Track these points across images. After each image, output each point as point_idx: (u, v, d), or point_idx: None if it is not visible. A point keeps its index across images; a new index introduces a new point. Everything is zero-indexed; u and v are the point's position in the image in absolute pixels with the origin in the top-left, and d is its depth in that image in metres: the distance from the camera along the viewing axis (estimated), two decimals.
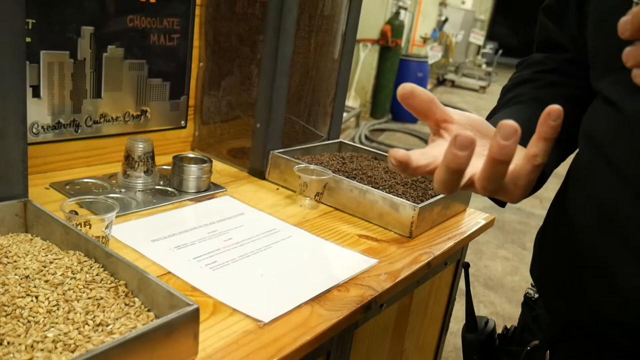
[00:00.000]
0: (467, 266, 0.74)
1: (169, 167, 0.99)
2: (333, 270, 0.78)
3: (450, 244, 0.93)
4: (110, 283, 0.59)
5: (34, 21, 0.86)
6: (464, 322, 0.75)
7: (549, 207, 0.68)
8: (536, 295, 0.68)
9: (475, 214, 1.09)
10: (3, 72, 0.68)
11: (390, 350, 0.95)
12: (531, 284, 0.70)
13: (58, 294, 0.56)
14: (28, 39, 0.85)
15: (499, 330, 0.74)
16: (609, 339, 0.53)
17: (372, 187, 0.98)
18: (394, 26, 5.35)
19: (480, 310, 2.22)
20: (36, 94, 0.90)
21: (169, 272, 0.71)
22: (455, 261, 1.09)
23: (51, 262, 0.61)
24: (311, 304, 0.68)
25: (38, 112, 0.91)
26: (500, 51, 9.59)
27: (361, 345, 0.82)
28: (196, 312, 0.53)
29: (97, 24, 0.95)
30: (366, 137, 4.72)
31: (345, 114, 4.75)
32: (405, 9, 5.58)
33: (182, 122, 1.16)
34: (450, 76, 8.70)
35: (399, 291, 0.81)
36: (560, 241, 0.60)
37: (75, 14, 0.92)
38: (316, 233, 0.89)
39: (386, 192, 0.96)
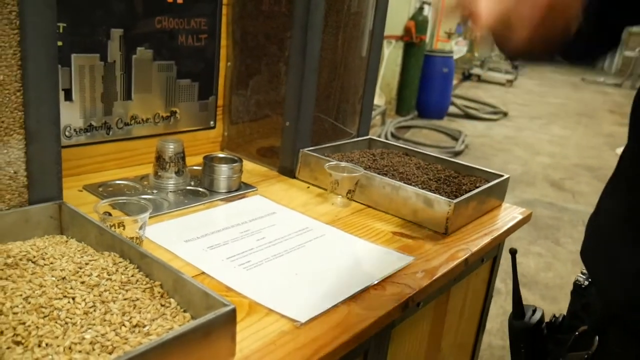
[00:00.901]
0: (514, 252, 0.71)
1: (200, 168, 0.99)
2: (368, 269, 0.76)
3: (487, 240, 0.91)
4: (145, 284, 0.59)
5: (65, 25, 0.87)
6: (511, 312, 0.73)
7: (602, 192, 0.65)
8: (586, 283, 0.66)
9: (511, 209, 1.06)
10: (36, 77, 0.68)
11: (428, 349, 0.93)
12: (581, 271, 0.68)
13: (94, 295, 0.56)
14: (59, 43, 0.85)
15: (547, 319, 0.72)
16: None
17: (405, 183, 0.96)
18: (418, 22, 5.29)
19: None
20: (68, 97, 0.91)
21: (203, 273, 0.70)
22: (491, 258, 1.06)
23: (87, 264, 0.61)
24: (348, 303, 0.67)
25: (71, 115, 0.92)
26: None
27: (398, 345, 0.80)
28: (233, 312, 0.53)
29: (126, 26, 0.95)
30: (392, 135, 4.68)
31: None
32: (429, 4, 5.52)
33: (211, 122, 1.16)
34: (476, 70, 8.58)
35: (435, 289, 0.79)
36: (610, 222, 0.58)
37: (104, 17, 0.92)
38: (349, 231, 0.88)
39: (419, 187, 0.94)
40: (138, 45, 0.98)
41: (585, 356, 0.59)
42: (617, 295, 0.58)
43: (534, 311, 0.69)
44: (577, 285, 0.67)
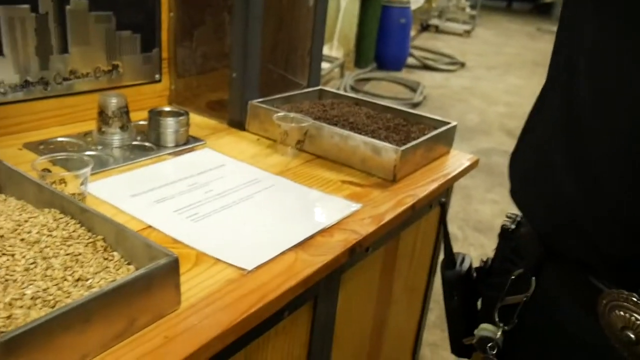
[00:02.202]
0: (443, 204, 0.73)
1: (146, 123, 0.97)
2: (316, 217, 0.77)
3: (434, 185, 0.93)
4: (87, 238, 0.58)
5: None
6: (442, 261, 0.75)
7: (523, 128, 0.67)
8: (513, 226, 0.68)
9: (459, 156, 1.09)
10: None
11: (380, 292, 0.96)
12: (507, 215, 0.69)
13: (35, 252, 0.55)
14: None
15: (477, 264, 0.74)
16: (588, 257, 0.53)
17: (354, 132, 0.96)
18: None
19: (470, 253, 2.26)
20: None
21: (150, 226, 0.70)
22: (440, 203, 1.09)
23: (26, 221, 0.60)
24: (295, 250, 0.68)
25: (3, 70, 0.88)
26: None
27: (349, 289, 0.83)
28: (175, 262, 0.53)
29: None
30: (351, 87, 4.66)
31: (328, 65, 4.64)
32: None
33: (157, 75, 1.13)
34: (434, 21, 8.54)
35: (384, 234, 0.81)
36: (542, 141, 0.59)
37: None
38: (299, 181, 0.88)
39: (368, 136, 0.95)
40: None
41: (524, 299, 0.60)
42: (553, 223, 0.58)
43: (463, 258, 0.72)
44: (504, 230, 0.68)
